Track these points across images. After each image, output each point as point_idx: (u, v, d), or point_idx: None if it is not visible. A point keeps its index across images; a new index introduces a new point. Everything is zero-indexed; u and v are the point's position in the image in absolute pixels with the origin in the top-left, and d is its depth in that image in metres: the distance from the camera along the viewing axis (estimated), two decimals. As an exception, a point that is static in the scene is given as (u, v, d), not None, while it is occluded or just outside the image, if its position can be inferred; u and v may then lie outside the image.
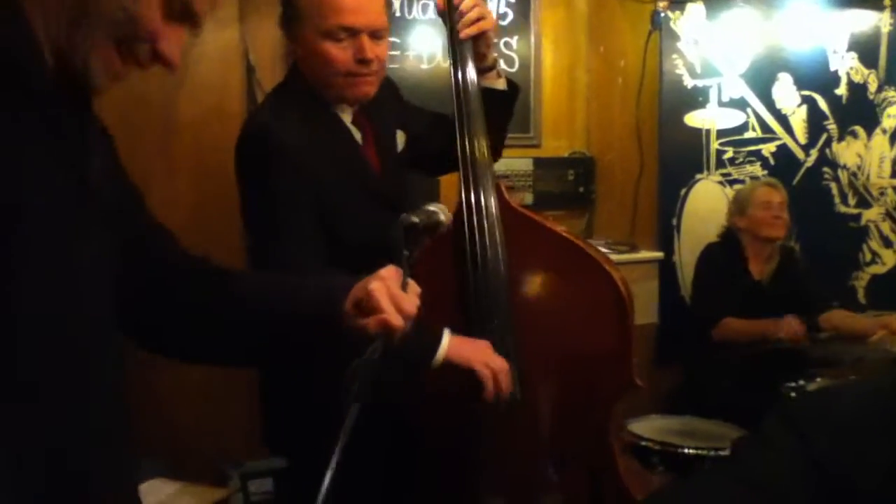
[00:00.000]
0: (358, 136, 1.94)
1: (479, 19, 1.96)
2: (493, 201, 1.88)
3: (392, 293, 1.17)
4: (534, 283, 1.92)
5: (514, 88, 2.12)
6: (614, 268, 1.93)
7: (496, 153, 2.10)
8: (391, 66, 3.52)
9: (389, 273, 1.21)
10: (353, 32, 1.79)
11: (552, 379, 1.89)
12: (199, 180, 2.84)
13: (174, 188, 2.80)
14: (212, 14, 0.98)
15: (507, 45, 3.78)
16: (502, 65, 3.74)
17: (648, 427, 2.84)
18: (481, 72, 2.00)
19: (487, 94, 2.00)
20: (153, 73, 0.94)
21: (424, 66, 3.58)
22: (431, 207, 1.46)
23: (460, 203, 1.88)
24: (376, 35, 1.83)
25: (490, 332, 1.82)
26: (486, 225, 1.86)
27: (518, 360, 1.83)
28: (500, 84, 2.08)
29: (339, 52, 1.80)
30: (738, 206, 3.62)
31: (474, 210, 1.86)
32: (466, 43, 1.96)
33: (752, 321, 3.36)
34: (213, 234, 2.61)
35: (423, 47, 3.57)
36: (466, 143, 1.90)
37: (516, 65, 3.79)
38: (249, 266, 1.83)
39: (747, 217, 3.56)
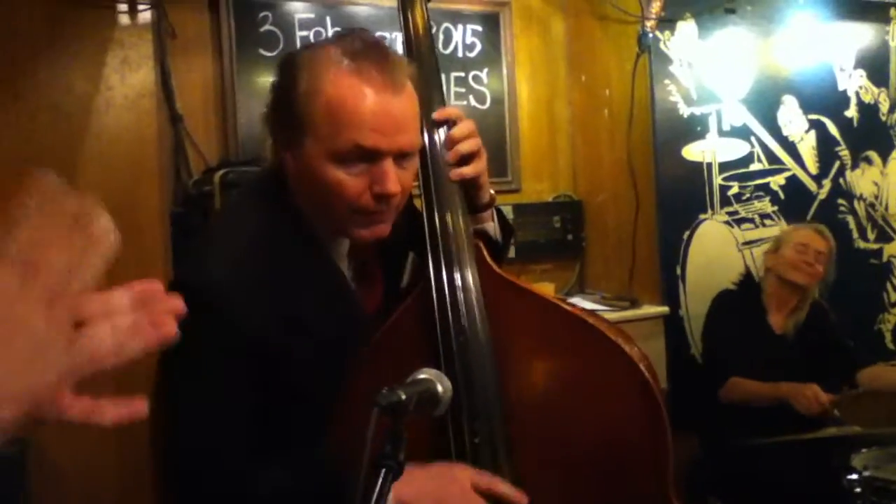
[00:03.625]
0: (346, 268, 1.43)
1: (471, 156, 1.44)
2: (473, 279, 1.38)
3: None
4: (531, 376, 1.41)
5: (508, 233, 1.60)
6: (630, 343, 1.44)
7: None
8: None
9: None
10: (373, 157, 1.26)
11: (557, 492, 1.38)
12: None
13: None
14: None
15: (476, 78, 3.35)
16: (472, 102, 3.30)
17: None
18: (471, 209, 1.48)
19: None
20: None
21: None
22: (422, 376, 1.08)
23: (427, 282, 1.39)
24: (404, 159, 1.30)
25: (474, 449, 1.33)
26: (463, 305, 1.36)
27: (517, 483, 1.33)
28: (490, 227, 1.54)
29: (351, 182, 1.27)
30: (775, 243, 3.26)
31: (447, 289, 1.36)
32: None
33: (765, 384, 2.92)
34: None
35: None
36: (436, 218, 1.40)
37: (488, 101, 3.36)
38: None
39: (778, 255, 3.18)
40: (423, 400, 1.05)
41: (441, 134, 1.44)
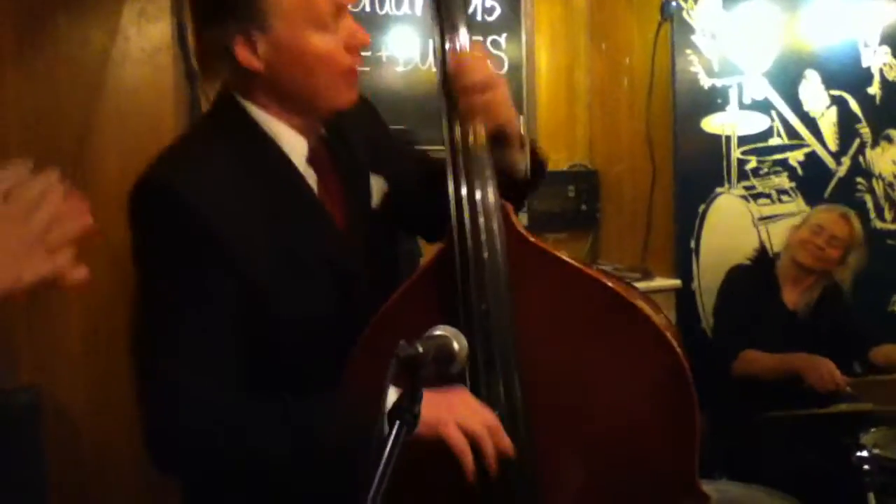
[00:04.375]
0: (313, 181, 1.39)
1: (484, 88, 1.34)
2: (491, 197, 1.36)
3: None
4: (554, 344, 1.37)
5: (541, 169, 1.52)
6: (657, 310, 1.42)
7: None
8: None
9: None
10: (340, 13, 1.31)
11: (579, 468, 1.37)
12: (123, 212, 2.31)
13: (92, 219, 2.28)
14: None
15: (495, 43, 3.31)
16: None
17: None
18: (497, 139, 1.42)
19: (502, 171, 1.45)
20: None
21: (400, 70, 3.14)
22: (438, 332, 1.07)
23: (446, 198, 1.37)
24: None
25: (487, 368, 1.31)
26: (482, 223, 1.34)
27: (528, 418, 1.32)
28: (521, 161, 1.45)
29: (336, 44, 1.30)
30: (801, 221, 3.23)
31: (466, 205, 1.34)
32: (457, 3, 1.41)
33: (777, 356, 2.92)
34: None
35: (398, 48, 3.12)
36: (456, 128, 1.37)
37: (506, 67, 3.34)
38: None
39: (796, 233, 3.15)
40: (439, 355, 1.04)
41: (463, 39, 1.38)
